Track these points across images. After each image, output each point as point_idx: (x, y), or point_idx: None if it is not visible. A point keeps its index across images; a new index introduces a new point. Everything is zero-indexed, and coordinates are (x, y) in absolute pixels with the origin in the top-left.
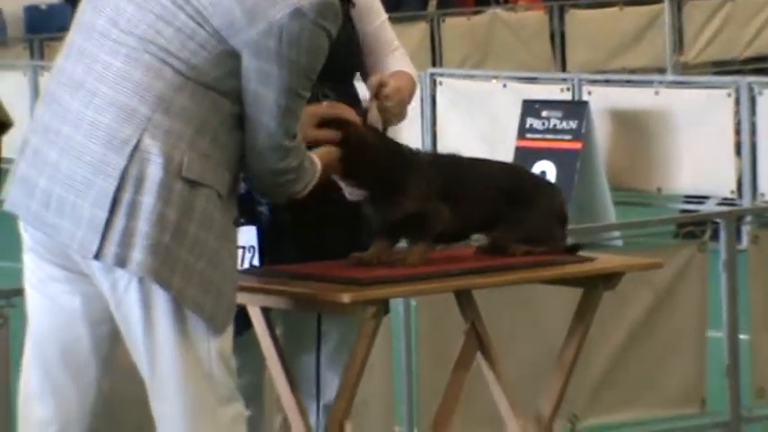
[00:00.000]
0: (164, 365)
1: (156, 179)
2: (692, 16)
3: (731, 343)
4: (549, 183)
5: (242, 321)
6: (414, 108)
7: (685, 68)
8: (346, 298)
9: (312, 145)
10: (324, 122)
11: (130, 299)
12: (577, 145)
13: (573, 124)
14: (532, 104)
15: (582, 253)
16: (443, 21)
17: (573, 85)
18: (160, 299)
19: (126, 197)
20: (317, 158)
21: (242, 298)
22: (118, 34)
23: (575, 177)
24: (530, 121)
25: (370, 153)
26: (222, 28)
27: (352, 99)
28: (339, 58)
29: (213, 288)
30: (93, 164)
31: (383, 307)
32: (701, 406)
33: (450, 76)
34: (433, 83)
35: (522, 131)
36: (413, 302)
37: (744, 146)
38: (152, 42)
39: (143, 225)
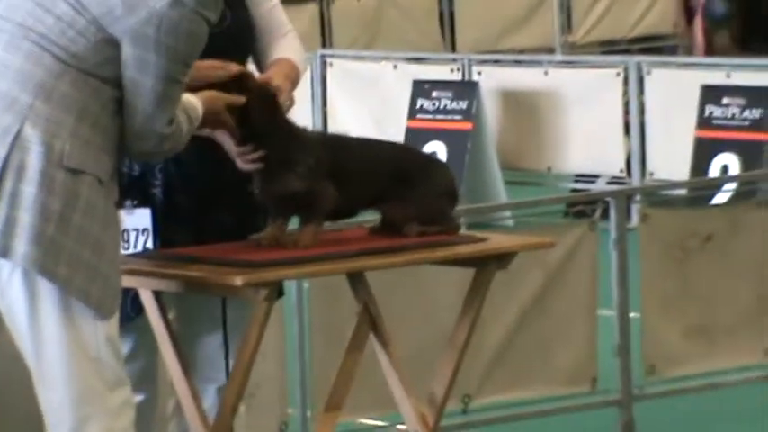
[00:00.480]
0: (49, 353)
1: (37, 168)
2: None
3: (622, 321)
4: (437, 160)
5: (135, 305)
6: (304, 89)
7: (573, 48)
8: (238, 281)
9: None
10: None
11: (14, 288)
12: (468, 125)
13: (463, 105)
14: (422, 85)
15: (474, 233)
16: (333, 2)
17: (463, 66)
18: (44, 287)
19: (7, 187)
20: (198, 101)
21: (134, 281)
22: (2, 23)
23: (465, 158)
24: (420, 101)
25: (272, 106)
26: (101, 16)
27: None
28: (232, 42)
29: (100, 276)
30: None
31: (276, 289)
32: (593, 384)
33: (341, 57)
34: (324, 64)
35: (413, 112)
36: (305, 284)
37: (633, 125)
38: (32, 30)
39: (26, 215)
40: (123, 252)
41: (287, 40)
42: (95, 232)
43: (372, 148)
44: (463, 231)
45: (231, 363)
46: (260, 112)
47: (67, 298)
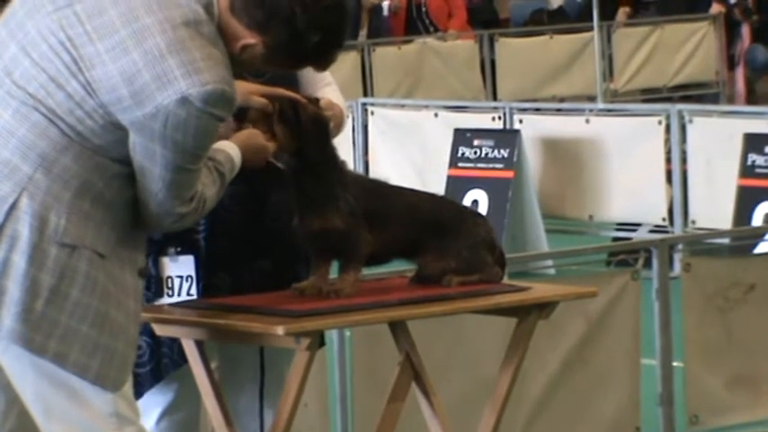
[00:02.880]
0: (57, 425)
1: (28, 242)
2: (621, 44)
3: (665, 371)
4: (474, 212)
5: (182, 353)
6: (345, 138)
7: (614, 96)
8: (280, 330)
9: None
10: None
11: (8, 361)
12: (509, 173)
13: (504, 153)
14: (464, 133)
15: (515, 282)
16: (374, 50)
17: (504, 114)
18: (39, 361)
19: (0, 255)
20: (235, 148)
21: (177, 331)
22: (10, 86)
23: (507, 206)
24: (461, 149)
25: (324, 134)
26: (109, 103)
27: None
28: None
29: (100, 350)
30: None
31: (317, 339)
32: None
33: (382, 105)
34: (365, 112)
35: (454, 160)
36: (347, 333)
37: (674, 173)
38: (42, 102)
39: (15, 289)
40: (167, 299)
41: (329, 91)
42: (95, 307)
43: (408, 197)
44: (505, 280)
45: (266, 414)
46: (313, 140)
47: (67, 375)
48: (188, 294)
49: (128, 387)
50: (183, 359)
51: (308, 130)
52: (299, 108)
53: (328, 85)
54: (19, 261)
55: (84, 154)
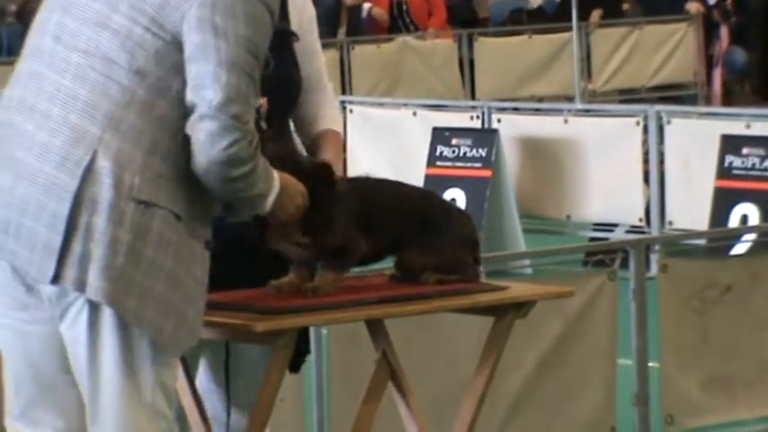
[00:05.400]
0: (105, 394)
1: (107, 201)
2: (599, 45)
3: (640, 371)
4: (459, 209)
5: None
6: None
7: (593, 96)
8: (259, 327)
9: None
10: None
11: (80, 325)
12: (487, 173)
13: (482, 152)
14: (442, 132)
15: (493, 281)
16: (353, 48)
17: (482, 113)
18: (108, 327)
19: (82, 220)
20: (275, 173)
21: None
22: (63, 51)
23: (484, 205)
24: (440, 148)
25: (333, 197)
26: (157, 12)
27: (287, 134)
28: (278, 93)
29: (173, 311)
30: (46, 186)
31: (294, 336)
32: None
33: (360, 103)
34: (343, 110)
35: (432, 159)
36: (324, 331)
37: (652, 174)
38: (94, 55)
39: (97, 248)
40: None
41: (327, 96)
42: (168, 266)
43: (396, 193)
44: (482, 279)
45: (233, 392)
46: (324, 203)
47: (130, 341)
48: None
49: (175, 364)
50: None
51: (322, 198)
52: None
53: (328, 85)
54: (100, 222)
55: (146, 107)
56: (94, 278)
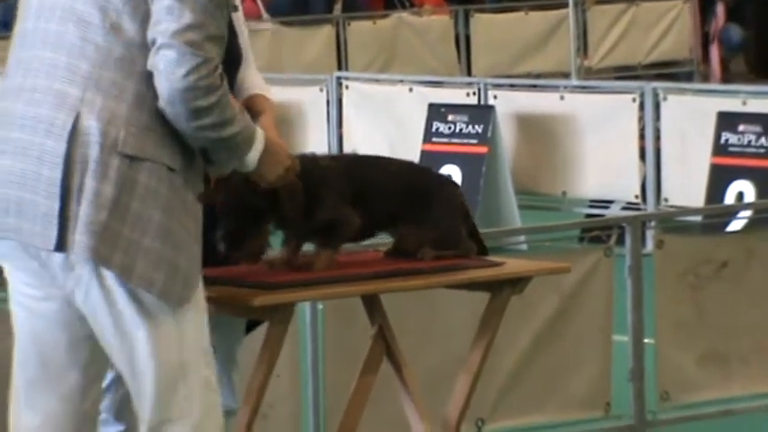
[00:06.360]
0: (133, 353)
1: (94, 158)
2: (596, 21)
3: (636, 347)
4: (448, 179)
5: None
6: (320, 111)
7: (589, 73)
8: (257, 301)
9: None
10: None
11: (94, 293)
12: (483, 149)
13: (479, 128)
14: (438, 108)
15: (489, 257)
16: (349, 24)
17: (479, 90)
18: (119, 289)
19: (75, 182)
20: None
21: None
22: (44, 25)
23: (480, 182)
24: (436, 125)
25: (299, 197)
26: None
27: (238, 87)
28: (231, 47)
29: (164, 263)
30: (38, 156)
31: (291, 311)
32: (606, 410)
33: (356, 79)
34: (339, 86)
35: (428, 135)
36: (320, 306)
37: (648, 151)
38: (69, 20)
39: (84, 206)
40: None
41: (253, 64)
42: (157, 218)
43: (385, 168)
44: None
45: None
46: (291, 205)
47: (140, 298)
48: None
49: (203, 322)
50: None
51: (286, 201)
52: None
53: (251, 55)
54: (89, 182)
55: (124, 63)
56: (80, 235)
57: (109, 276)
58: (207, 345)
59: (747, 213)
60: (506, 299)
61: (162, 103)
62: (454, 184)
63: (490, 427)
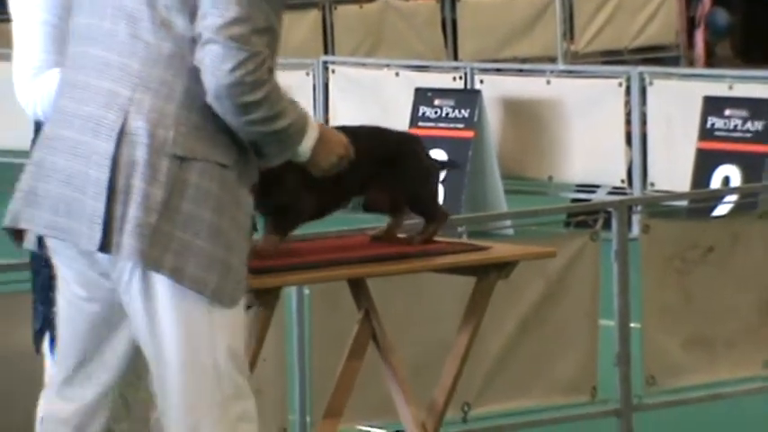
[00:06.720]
0: (165, 357)
1: (142, 160)
2: (582, 6)
3: (622, 331)
4: (412, 137)
5: None
6: (306, 95)
7: (575, 58)
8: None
9: None
10: None
11: (134, 290)
12: (470, 133)
13: (465, 113)
14: (425, 93)
15: (475, 241)
16: (335, 8)
17: (465, 74)
18: (159, 289)
19: (121, 183)
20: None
21: None
22: (98, 21)
23: (467, 166)
24: (422, 109)
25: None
26: None
27: None
28: None
29: (217, 263)
30: (86, 156)
31: (277, 296)
32: (593, 394)
33: (343, 63)
34: (326, 70)
35: (415, 120)
36: (306, 291)
37: (634, 135)
38: (120, 17)
39: (131, 209)
40: None
41: None
42: (207, 218)
43: (355, 136)
44: (464, 239)
45: None
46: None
47: (181, 301)
48: None
49: (239, 327)
50: None
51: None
52: None
53: None
54: (137, 183)
55: (174, 59)
56: (128, 237)
57: (155, 279)
58: (240, 348)
59: (733, 198)
60: (492, 283)
61: (210, 99)
62: (418, 140)
63: (476, 412)
